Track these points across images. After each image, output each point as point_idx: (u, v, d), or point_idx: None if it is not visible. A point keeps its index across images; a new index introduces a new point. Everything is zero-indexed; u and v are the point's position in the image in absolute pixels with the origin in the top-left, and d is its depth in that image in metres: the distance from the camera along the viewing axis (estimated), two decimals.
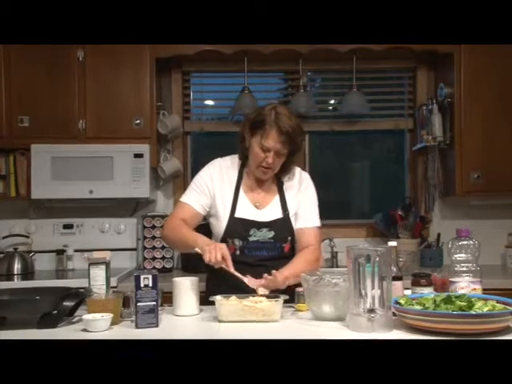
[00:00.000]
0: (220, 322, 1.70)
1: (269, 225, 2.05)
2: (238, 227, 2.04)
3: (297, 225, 2.10)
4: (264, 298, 1.74)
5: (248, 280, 1.86)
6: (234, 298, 1.75)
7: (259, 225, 2.05)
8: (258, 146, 2.00)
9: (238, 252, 2.03)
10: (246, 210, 2.06)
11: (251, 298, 1.74)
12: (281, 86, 3.74)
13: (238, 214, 2.05)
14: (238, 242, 2.03)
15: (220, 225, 2.06)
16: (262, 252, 2.04)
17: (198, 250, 1.88)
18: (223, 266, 1.84)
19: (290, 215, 2.09)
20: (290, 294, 1.84)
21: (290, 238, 2.08)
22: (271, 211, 2.08)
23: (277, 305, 1.71)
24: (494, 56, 3.06)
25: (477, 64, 3.09)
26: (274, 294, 1.80)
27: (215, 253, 1.83)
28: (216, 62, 3.39)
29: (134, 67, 3.10)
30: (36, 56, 3.05)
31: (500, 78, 3.09)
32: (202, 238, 1.94)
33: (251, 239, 2.04)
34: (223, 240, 2.05)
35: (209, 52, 3.09)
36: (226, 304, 1.71)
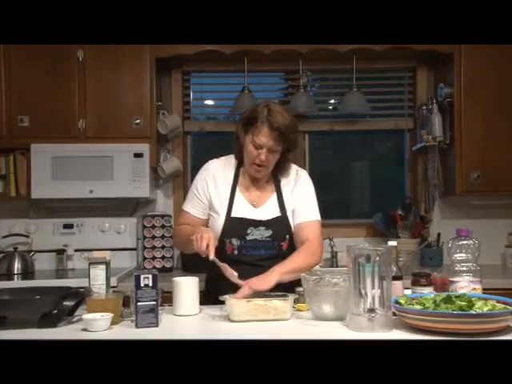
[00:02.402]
0: (232, 321, 1.69)
1: (266, 223, 2.05)
2: (236, 226, 2.04)
3: (295, 221, 2.09)
4: (274, 297, 1.76)
5: (225, 269, 1.83)
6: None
7: (256, 223, 2.05)
8: (251, 143, 2.01)
9: (236, 252, 2.03)
10: (243, 209, 2.07)
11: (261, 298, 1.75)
12: (281, 86, 3.75)
13: (234, 214, 2.06)
14: (235, 242, 2.03)
15: (217, 224, 2.06)
16: (259, 251, 2.04)
17: (192, 238, 1.88)
18: (206, 252, 1.83)
19: (288, 213, 2.09)
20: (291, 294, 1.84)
21: (287, 236, 2.08)
22: (268, 210, 2.08)
23: (288, 303, 1.73)
24: (494, 56, 3.07)
25: (477, 64, 3.10)
26: (281, 293, 1.81)
27: (200, 241, 1.83)
28: (216, 62, 3.39)
29: (134, 67, 3.10)
30: (36, 56, 3.05)
31: (500, 78, 3.09)
32: (197, 229, 1.93)
33: (249, 238, 2.04)
34: (221, 240, 2.04)
35: (209, 52, 3.09)
36: (238, 304, 1.71)
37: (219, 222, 2.06)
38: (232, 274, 1.85)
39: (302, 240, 2.06)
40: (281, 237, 2.07)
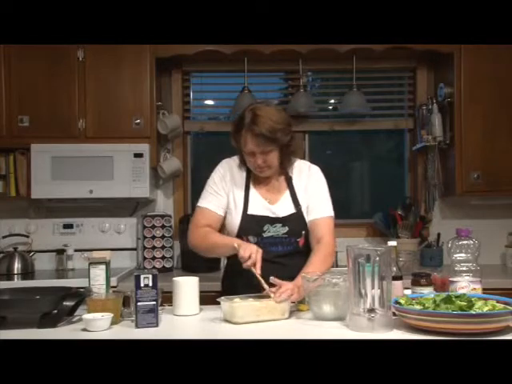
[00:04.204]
0: (235, 324, 1.67)
1: (282, 220, 2.06)
2: (252, 224, 2.05)
3: (309, 217, 2.09)
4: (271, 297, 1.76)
5: (268, 291, 1.80)
6: (238, 299, 1.76)
7: (273, 220, 2.05)
8: (243, 151, 2.02)
9: None
10: (259, 207, 2.08)
11: (261, 299, 1.76)
12: (281, 86, 3.74)
13: (250, 211, 2.07)
14: (252, 239, 2.04)
15: (234, 222, 2.07)
16: (277, 247, 2.05)
17: (236, 245, 1.90)
18: (252, 268, 1.83)
19: (303, 209, 2.09)
20: None
21: (303, 232, 2.09)
22: (284, 207, 2.09)
23: (287, 303, 1.75)
24: (494, 56, 3.06)
25: (477, 64, 3.09)
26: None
27: (250, 251, 1.84)
28: (216, 62, 3.39)
29: (134, 67, 3.10)
30: (36, 56, 3.05)
31: (500, 77, 3.09)
32: (239, 240, 1.97)
33: (265, 235, 2.05)
34: (238, 237, 2.06)
35: (209, 52, 3.09)
36: (240, 306, 1.71)
37: (236, 219, 2.07)
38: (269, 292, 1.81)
39: (317, 238, 2.06)
40: (297, 233, 2.07)
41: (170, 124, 3.26)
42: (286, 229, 2.06)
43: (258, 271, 1.83)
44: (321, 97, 3.72)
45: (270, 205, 2.09)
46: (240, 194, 2.09)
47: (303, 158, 3.48)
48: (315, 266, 1.94)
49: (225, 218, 2.13)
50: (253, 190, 2.10)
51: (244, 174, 2.13)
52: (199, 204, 2.14)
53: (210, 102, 3.72)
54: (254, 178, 2.13)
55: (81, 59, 3.07)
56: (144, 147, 3.07)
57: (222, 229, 2.16)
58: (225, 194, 2.11)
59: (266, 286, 1.82)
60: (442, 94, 3.18)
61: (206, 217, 2.10)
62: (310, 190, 2.12)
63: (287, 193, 2.11)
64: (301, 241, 2.08)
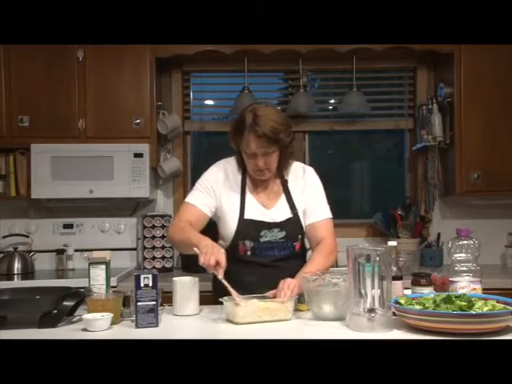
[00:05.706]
0: (236, 324, 1.67)
1: (280, 225, 2.04)
2: (249, 228, 2.02)
3: (307, 221, 2.08)
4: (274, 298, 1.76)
5: (235, 294, 1.75)
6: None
7: (270, 225, 2.04)
8: (244, 153, 2.00)
9: (249, 253, 2.02)
10: (256, 211, 2.05)
11: (264, 299, 1.76)
12: (281, 86, 3.74)
13: (247, 216, 2.04)
14: (248, 243, 2.02)
15: (230, 227, 2.04)
16: (273, 252, 2.04)
17: (196, 250, 1.82)
18: (214, 271, 1.77)
19: (299, 213, 2.08)
20: None
21: (300, 236, 2.08)
22: (280, 211, 2.07)
23: (291, 303, 1.74)
24: (494, 56, 3.07)
25: (477, 64, 3.09)
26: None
27: (209, 257, 1.76)
28: (216, 62, 3.39)
29: (134, 67, 3.10)
30: (36, 56, 3.05)
31: (500, 77, 3.09)
32: (205, 240, 1.86)
33: (262, 240, 2.02)
34: (234, 241, 2.03)
35: (209, 52, 3.09)
36: (242, 306, 1.70)
37: (232, 224, 2.03)
38: (237, 297, 1.75)
39: (318, 240, 2.06)
40: (294, 237, 2.06)
41: (170, 124, 3.26)
42: (284, 233, 2.04)
43: (220, 275, 1.76)
44: (321, 97, 3.71)
45: (267, 209, 2.06)
46: (236, 198, 2.06)
47: (303, 158, 3.48)
48: (316, 263, 1.95)
49: (211, 219, 2.10)
50: (249, 195, 2.08)
51: (239, 178, 2.10)
52: (186, 199, 2.10)
53: (210, 102, 3.71)
54: (249, 182, 2.11)
55: (81, 59, 3.07)
56: (144, 147, 3.07)
57: (217, 235, 2.13)
58: (214, 195, 2.07)
59: (232, 290, 1.75)
60: (442, 94, 3.19)
61: (190, 213, 2.05)
62: (306, 192, 2.10)
63: (283, 197, 2.10)
64: (297, 245, 2.08)
